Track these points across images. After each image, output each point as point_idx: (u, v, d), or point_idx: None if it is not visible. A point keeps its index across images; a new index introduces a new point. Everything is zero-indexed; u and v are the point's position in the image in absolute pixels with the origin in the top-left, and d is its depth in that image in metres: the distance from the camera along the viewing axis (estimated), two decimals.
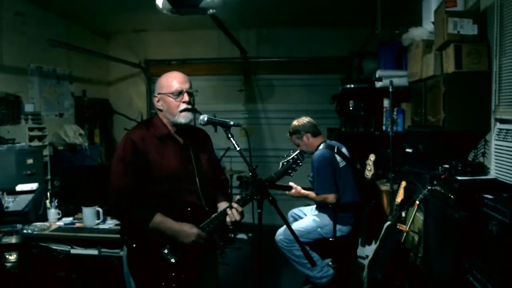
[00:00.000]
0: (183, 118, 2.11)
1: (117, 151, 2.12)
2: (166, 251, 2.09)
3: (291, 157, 2.21)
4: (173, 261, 2.07)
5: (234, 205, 2.11)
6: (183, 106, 2.10)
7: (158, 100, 2.15)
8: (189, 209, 2.11)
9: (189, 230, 2.06)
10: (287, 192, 3.53)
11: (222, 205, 2.21)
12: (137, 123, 2.31)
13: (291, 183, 3.55)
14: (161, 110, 2.16)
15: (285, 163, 2.22)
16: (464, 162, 2.79)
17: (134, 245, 2.10)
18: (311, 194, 3.54)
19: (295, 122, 3.70)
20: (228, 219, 2.10)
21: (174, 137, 2.16)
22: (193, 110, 2.13)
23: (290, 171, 2.21)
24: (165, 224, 2.06)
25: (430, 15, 3.31)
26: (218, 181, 2.36)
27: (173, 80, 2.11)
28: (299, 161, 2.21)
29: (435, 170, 2.82)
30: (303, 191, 3.56)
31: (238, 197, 2.18)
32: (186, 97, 2.10)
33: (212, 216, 2.14)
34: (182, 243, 2.06)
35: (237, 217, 2.09)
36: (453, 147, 3.11)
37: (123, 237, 2.18)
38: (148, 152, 2.08)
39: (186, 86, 2.11)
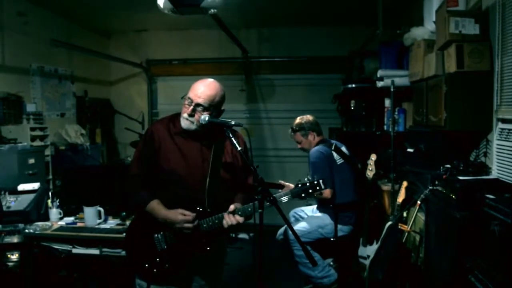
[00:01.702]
0: (184, 123, 2.15)
1: (141, 139, 2.32)
2: (158, 236, 2.14)
3: (310, 181, 2.08)
4: (161, 248, 2.14)
5: (237, 217, 2.08)
6: (185, 115, 2.13)
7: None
8: (198, 208, 2.12)
9: (173, 217, 2.10)
10: (279, 191, 3.47)
11: (231, 206, 2.17)
12: (168, 115, 2.34)
13: (281, 181, 3.49)
14: None
15: (299, 184, 2.10)
16: (466, 162, 2.78)
17: (136, 219, 2.29)
18: None
19: (299, 120, 3.68)
20: (224, 222, 2.10)
21: (193, 134, 2.17)
22: (193, 123, 2.13)
23: (303, 194, 2.09)
24: (156, 211, 2.14)
25: (431, 15, 3.31)
26: (241, 185, 2.31)
27: (194, 89, 2.14)
28: (318, 188, 2.06)
29: (436, 170, 2.81)
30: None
31: (233, 206, 2.14)
32: (189, 110, 2.12)
33: (212, 216, 2.13)
34: (172, 228, 2.12)
35: (233, 221, 2.09)
36: (455, 147, 3.10)
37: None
38: (161, 143, 2.17)
39: (199, 100, 2.10)
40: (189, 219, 2.09)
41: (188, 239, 2.12)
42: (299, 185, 2.11)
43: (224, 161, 2.22)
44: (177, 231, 2.12)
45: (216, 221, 2.12)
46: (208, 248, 2.15)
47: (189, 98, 2.13)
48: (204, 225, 2.13)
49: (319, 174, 3.43)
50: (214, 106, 2.14)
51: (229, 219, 2.09)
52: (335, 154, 3.52)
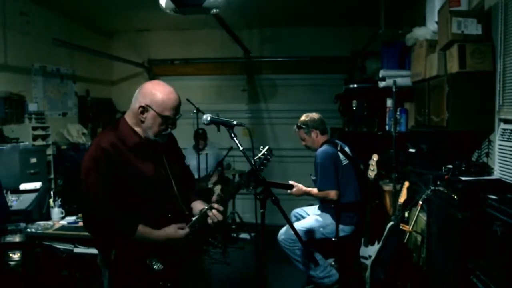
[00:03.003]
0: (162, 138, 2.07)
1: (88, 161, 1.97)
2: (151, 260, 2.03)
3: (261, 153, 2.17)
4: (159, 268, 2.02)
5: (215, 205, 2.07)
6: (168, 131, 2.06)
7: (144, 112, 2.01)
8: (169, 215, 2.07)
9: (174, 233, 2.02)
10: (288, 191, 3.50)
11: (197, 205, 2.19)
12: (104, 129, 2.19)
13: (291, 182, 3.52)
14: (142, 122, 2.03)
15: (257, 159, 2.16)
16: (468, 163, 2.78)
17: (117, 261, 2.01)
18: (313, 190, 3.53)
19: (304, 117, 3.66)
20: (210, 221, 2.07)
21: (145, 144, 2.06)
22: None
23: (262, 167, 2.16)
24: (150, 235, 1.99)
25: (433, 15, 3.30)
26: (188, 181, 2.32)
27: (173, 105, 2.02)
28: (269, 157, 2.16)
29: (438, 170, 2.81)
30: (305, 188, 3.53)
31: (214, 197, 2.16)
32: (174, 125, 2.06)
33: (193, 219, 2.10)
34: (174, 247, 2.02)
35: (219, 217, 2.06)
36: (457, 147, 3.10)
37: (103, 256, 2.10)
38: (121, 160, 1.98)
39: (178, 111, 2.06)
40: (188, 231, 2.05)
41: (180, 252, 2.07)
42: (257, 160, 2.15)
43: (174, 161, 2.20)
44: (169, 251, 2.03)
45: (201, 220, 2.09)
46: (200, 250, 2.15)
47: (167, 117, 2.01)
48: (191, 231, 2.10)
49: (325, 175, 3.42)
50: None
51: (214, 216, 2.05)
52: (341, 155, 3.51)
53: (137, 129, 2.05)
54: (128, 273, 2.01)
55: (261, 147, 2.21)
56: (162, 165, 2.10)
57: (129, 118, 2.08)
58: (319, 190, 3.46)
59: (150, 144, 2.07)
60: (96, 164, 1.95)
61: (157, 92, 2.02)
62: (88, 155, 1.98)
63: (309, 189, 3.55)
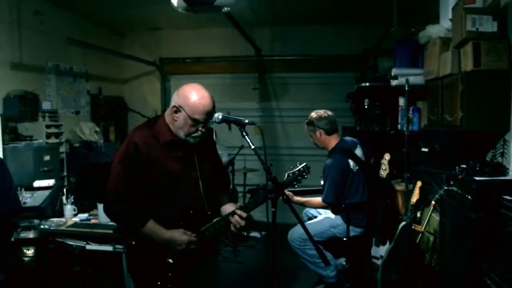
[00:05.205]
0: (193, 139, 2.11)
1: (119, 154, 2.11)
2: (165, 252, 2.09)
3: (297, 169, 2.19)
4: (171, 261, 2.08)
5: (238, 211, 2.10)
6: (199, 133, 2.09)
7: (176, 111, 2.07)
8: (191, 211, 2.11)
9: (179, 237, 2.06)
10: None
11: (227, 207, 2.22)
12: (141, 124, 2.25)
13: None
14: (175, 120, 2.09)
15: (290, 174, 2.19)
16: (482, 162, 2.73)
17: (133, 243, 2.13)
18: (310, 200, 3.45)
19: (313, 114, 3.59)
20: (232, 227, 2.12)
21: (177, 142, 2.12)
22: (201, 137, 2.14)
23: (295, 182, 2.19)
24: (156, 232, 2.06)
25: (447, 12, 3.26)
26: (221, 183, 2.37)
27: (203, 110, 2.04)
28: (304, 174, 2.18)
29: (451, 170, 2.77)
30: (296, 198, 3.41)
31: (238, 204, 2.20)
32: (205, 128, 2.08)
33: (214, 220, 2.14)
34: (173, 251, 2.07)
35: (242, 223, 2.10)
36: (471, 147, 3.05)
37: (123, 235, 2.23)
38: (150, 156, 2.06)
39: (210, 116, 2.08)
40: (194, 240, 2.08)
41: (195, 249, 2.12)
42: (290, 175, 2.18)
43: (208, 162, 2.23)
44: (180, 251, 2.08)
45: (222, 223, 2.13)
46: (215, 249, 2.20)
47: (199, 120, 2.05)
48: (207, 232, 2.13)
49: (331, 189, 3.34)
50: None
51: (237, 222, 2.09)
52: (351, 163, 3.42)
53: (172, 127, 2.11)
54: (141, 258, 2.11)
55: (298, 163, 2.22)
56: (191, 165, 2.14)
57: (167, 116, 2.15)
58: (323, 200, 3.39)
59: (182, 143, 2.11)
60: (124, 158, 2.07)
61: (190, 95, 2.06)
62: (121, 148, 2.12)
63: (303, 199, 3.44)
